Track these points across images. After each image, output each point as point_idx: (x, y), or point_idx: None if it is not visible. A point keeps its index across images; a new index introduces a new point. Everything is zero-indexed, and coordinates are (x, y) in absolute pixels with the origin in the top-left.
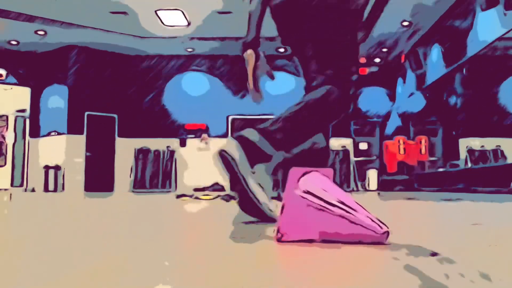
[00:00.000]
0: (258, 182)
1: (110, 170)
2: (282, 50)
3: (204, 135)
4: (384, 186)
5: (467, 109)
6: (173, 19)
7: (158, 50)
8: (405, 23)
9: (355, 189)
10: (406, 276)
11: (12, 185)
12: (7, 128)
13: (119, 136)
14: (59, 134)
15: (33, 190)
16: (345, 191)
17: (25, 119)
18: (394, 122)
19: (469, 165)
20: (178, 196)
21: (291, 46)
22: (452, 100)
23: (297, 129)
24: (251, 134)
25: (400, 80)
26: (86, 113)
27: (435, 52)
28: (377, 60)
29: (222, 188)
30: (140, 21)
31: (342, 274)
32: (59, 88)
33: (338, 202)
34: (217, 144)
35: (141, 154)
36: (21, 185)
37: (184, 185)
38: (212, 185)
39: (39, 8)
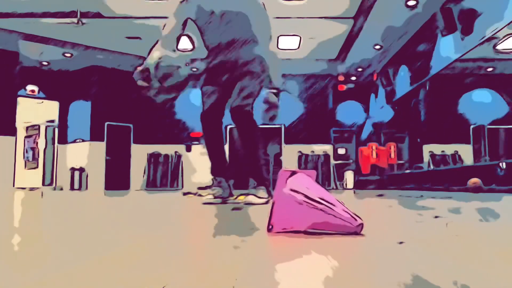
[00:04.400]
0: None
1: (127, 172)
2: None
3: None
4: (359, 185)
5: (429, 119)
6: (180, 43)
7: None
8: (377, 47)
9: (334, 187)
10: (377, 261)
11: (43, 184)
12: (39, 135)
13: (134, 142)
14: (83, 141)
15: (61, 189)
16: (326, 189)
17: (54, 128)
18: (367, 131)
19: (431, 167)
20: (184, 194)
21: None
22: (417, 112)
23: None
24: None
25: (372, 95)
26: (106, 123)
27: (403, 71)
28: (353, 78)
29: None
30: (152, 44)
31: (323, 259)
32: (83, 102)
33: (320, 198)
34: None
35: (153, 157)
36: (51, 184)
37: (189, 184)
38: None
39: (67, 34)
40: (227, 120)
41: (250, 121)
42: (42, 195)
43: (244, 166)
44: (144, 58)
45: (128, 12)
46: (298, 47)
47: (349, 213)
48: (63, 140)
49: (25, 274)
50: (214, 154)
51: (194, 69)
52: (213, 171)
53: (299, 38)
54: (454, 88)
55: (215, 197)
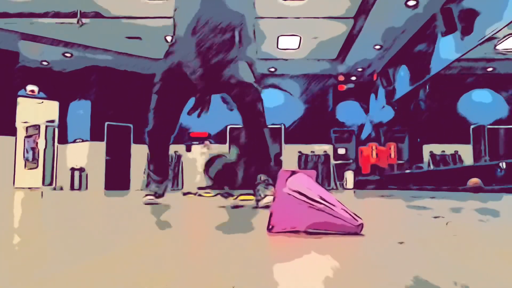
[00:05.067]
0: None
1: (127, 172)
2: (272, 69)
3: (207, 142)
4: (359, 185)
5: (429, 119)
6: None
7: None
8: (377, 47)
9: (334, 187)
10: (377, 261)
11: (43, 184)
12: (39, 135)
13: (134, 142)
14: (83, 141)
15: (61, 189)
16: (326, 189)
17: (54, 128)
18: (367, 131)
19: (431, 167)
20: (185, 194)
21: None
22: (417, 112)
23: None
24: None
25: (372, 95)
26: (106, 123)
27: (403, 71)
28: (353, 78)
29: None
30: (152, 44)
31: (323, 259)
32: (83, 102)
33: (320, 198)
34: (217, 149)
35: None
36: (51, 184)
37: (189, 184)
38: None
39: (67, 34)
40: (227, 121)
41: (261, 110)
42: (42, 195)
43: (254, 162)
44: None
45: (128, 12)
46: (298, 47)
47: (349, 213)
48: (63, 140)
49: (25, 274)
50: (158, 162)
51: None
52: (156, 172)
53: (299, 38)
54: (454, 88)
55: (156, 196)
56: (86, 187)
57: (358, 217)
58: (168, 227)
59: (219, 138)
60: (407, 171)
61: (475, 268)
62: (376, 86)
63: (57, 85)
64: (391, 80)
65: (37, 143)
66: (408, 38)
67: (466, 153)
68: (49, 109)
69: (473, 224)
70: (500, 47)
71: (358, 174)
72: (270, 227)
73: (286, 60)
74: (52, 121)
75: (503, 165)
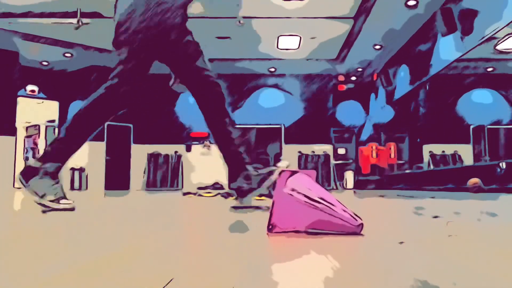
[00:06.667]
0: None
1: (127, 172)
2: (272, 69)
3: (206, 142)
4: (359, 185)
5: (429, 119)
6: None
7: (168, 70)
8: (377, 47)
9: (334, 188)
10: (377, 261)
11: None
12: (39, 136)
13: (134, 142)
14: None
15: None
16: (326, 189)
17: (54, 128)
18: (368, 131)
19: (431, 167)
20: (185, 194)
21: None
22: (417, 112)
23: None
24: None
25: (372, 95)
26: (106, 123)
27: (403, 71)
28: (353, 78)
29: (221, 187)
30: None
31: (323, 259)
32: (83, 102)
33: (320, 198)
34: (217, 150)
35: (153, 158)
36: None
37: (190, 184)
38: (213, 184)
39: (67, 34)
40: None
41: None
42: None
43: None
44: None
45: None
46: (298, 47)
47: (349, 213)
48: None
49: (26, 274)
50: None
51: None
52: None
53: (299, 38)
54: (454, 88)
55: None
56: (86, 187)
57: (358, 217)
58: (168, 227)
59: None
60: (407, 171)
61: (475, 268)
62: (376, 86)
63: (57, 85)
64: (391, 80)
65: (37, 143)
66: (408, 38)
67: (466, 153)
68: (49, 109)
69: (472, 224)
70: (500, 47)
71: (358, 174)
72: (270, 227)
73: (286, 60)
74: (52, 121)
75: (503, 165)
